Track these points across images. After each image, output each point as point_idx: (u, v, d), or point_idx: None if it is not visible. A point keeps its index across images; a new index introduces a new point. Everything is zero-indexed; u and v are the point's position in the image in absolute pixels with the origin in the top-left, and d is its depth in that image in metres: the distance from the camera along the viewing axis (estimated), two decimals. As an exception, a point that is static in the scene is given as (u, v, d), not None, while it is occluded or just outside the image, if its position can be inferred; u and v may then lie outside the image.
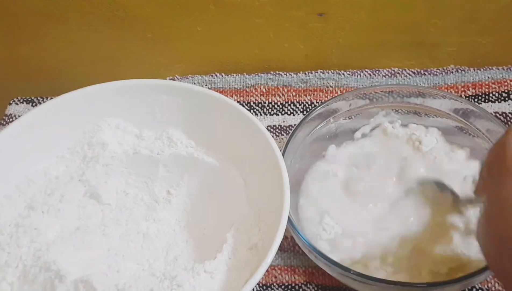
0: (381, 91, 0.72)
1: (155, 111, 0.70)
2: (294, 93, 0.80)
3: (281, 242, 0.57)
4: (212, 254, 0.59)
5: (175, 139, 0.68)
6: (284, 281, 0.65)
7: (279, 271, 0.66)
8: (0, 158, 0.64)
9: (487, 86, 0.77)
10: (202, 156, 0.67)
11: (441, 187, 0.64)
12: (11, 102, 0.84)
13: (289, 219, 0.59)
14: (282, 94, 0.80)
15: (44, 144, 0.67)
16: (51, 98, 0.72)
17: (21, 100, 0.84)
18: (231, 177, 0.66)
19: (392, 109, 0.72)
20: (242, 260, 0.59)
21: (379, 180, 0.68)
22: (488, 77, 0.77)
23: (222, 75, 0.81)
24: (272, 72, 0.82)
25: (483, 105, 0.76)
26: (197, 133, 0.69)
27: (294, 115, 0.79)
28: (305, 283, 0.65)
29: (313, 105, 0.79)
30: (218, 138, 0.68)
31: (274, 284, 0.65)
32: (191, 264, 0.59)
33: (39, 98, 0.84)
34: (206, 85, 0.81)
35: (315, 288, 0.64)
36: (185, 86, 0.69)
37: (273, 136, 0.65)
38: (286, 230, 0.57)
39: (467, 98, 0.76)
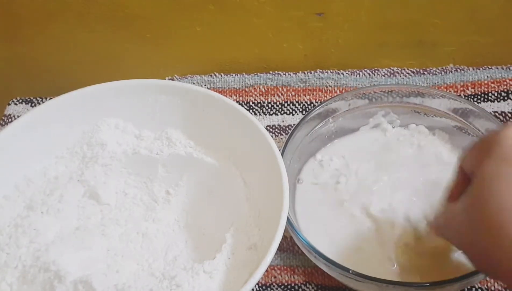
0: (380, 91, 0.72)
1: (155, 111, 0.70)
2: (293, 93, 0.80)
3: (281, 242, 0.57)
4: (211, 254, 0.59)
5: (174, 139, 0.68)
6: (283, 281, 0.65)
7: (278, 271, 0.66)
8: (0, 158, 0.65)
9: (486, 86, 0.77)
10: (201, 156, 0.67)
11: None
12: (10, 102, 0.84)
13: (288, 219, 0.59)
14: (281, 94, 0.80)
15: (43, 145, 0.68)
16: (50, 98, 0.72)
17: (20, 101, 0.84)
18: (230, 177, 0.66)
19: (391, 109, 0.72)
20: (241, 260, 0.59)
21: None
22: (487, 76, 0.77)
23: (221, 75, 0.82)
24: (271, 72, 0.82)
25: (482, 104, 0.76)
26: (196, 133, 0.69)
27: (293, 115, 0.79)
28: (304, 283, 0.65)
29: (312, 105, 0.79)
30: (217, 138, 0.68)
31: (274, 284, 0.65)
32: (190, 264, 0.59)
33: (38, 98, 0.84)
34: (205, 85, 0.81)
35: (315, 288, 0.64)
36: (184, 86, 0.70)
37: (272, 136, 0.65)
38: (285, 230, 0.57)
39: (466, 98, 0.76)
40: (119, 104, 0.70)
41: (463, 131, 0.70)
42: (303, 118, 0.69)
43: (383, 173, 0.69)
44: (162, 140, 0.69)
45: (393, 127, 0.73)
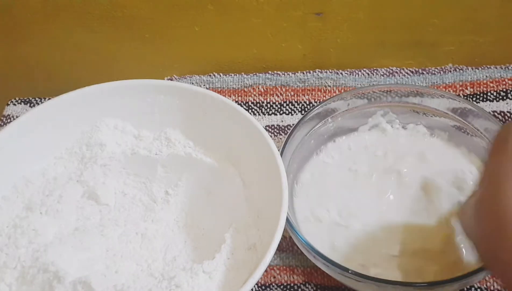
0: (379, 91, 0.72)
1: (154, 111, 0.70)
2: (292, 93, 0.81)
3: (280, 241, 0.57)
4: (210, 254, 0.60)
5: (173, 139, 0.69)
6: (283, 281, 0.66)
7: (277, 271, 0.66)
8: (-2, 158, 0.64)
9: (485, 85, 0.77)
10: (201, 156, 0.68)
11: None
12: (9, 103, 0.84)
13: (287, 219, 0.59)
14: (280, 94, 0.81)
15: (42, 145, 0.68)
16: (49, 98, 0.72)
17: (19, 101, 0.84)
18: (230, 177, 0.67)
19: (390, 109, 0.73)
20: (240, 260, 0.60)
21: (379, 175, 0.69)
22: (486, 76, 0.78)
23: (220, 75, 0.82)
24: (270, 72, 0.82)
25: (481, 104, 0.76)
26: (195, 133, 0.70)
27: (292, 115, 0.79)
28: (304, 283, 0.65)
29: (311, 105, 0.80)
30: (216, 138, 0.69)
31: (273, 284, 0.66)
32: (190, 264, 0.60)
33: (37, 99, 0.84)
34: (204, 85, 0.82)
35: (314, 288, 0.65)
36: (183, 86, 0.70)
37: (271, 136, 0.65)
38: (285, 230, 0.57)
39: (465, 97, 0.77)
40: (118, 104, 0.70)
41: (462, 131, 0.70)
42: (302, 118, 0.70)
43: (383, 173, 0.69)
44: (161, 140, 0.69)
45: (392, 127, 0.73)
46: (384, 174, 0.69)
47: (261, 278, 0.63)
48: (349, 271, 0.57)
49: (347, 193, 0.68)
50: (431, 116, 0.72)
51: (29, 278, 0.58)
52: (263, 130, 0.64)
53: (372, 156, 0.71)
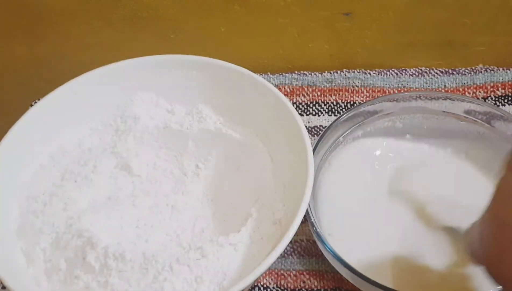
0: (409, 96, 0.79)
1: (186, 86, 0.78)
2: (319, 93, 0.89)
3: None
4: (237, 227, 0.68)
5: (205, 115, 0.77)
6: (312, 286, 0.73)
7: (307, 276, 0.73)
8: (36, 128, 0.73)
9: (517, 87, 0.86)
10: (230, 131, 0.76)
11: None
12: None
13: (316, 232, 0.68)
14: (307, 94, 0.89)
15: (78, 117, 0.77)
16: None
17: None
18: (258, 153, 0.75)
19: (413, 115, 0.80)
20: (265, 234, 0.68)
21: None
22: (518, 77, 0.86)
23: (246, 75, 0.89)
24: (296, 72, 0.90)
25: (514, 106, 0.84)
26: (226, 109, 0.78)
27: (319, 115, 0.87)
28: (334, 288, 0.72)
29: (338, 105, 0.87)
30: (246, 115, 0.77)
31: (303, 289, 0.73)
32: (216, 236, 0.67)
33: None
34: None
35: (344, 294, 0.72)
36: (216, 63, 0.78)
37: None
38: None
39: (496, 99, 0.85)
40: (152, 79, 0.78)
41: (488, 136, 0.77)
42: (336, 119, 0.77)
43: (412, 183, 0.77)
44: (193, 115, 0.78)
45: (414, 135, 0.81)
46: (414, 183, 0.76)
47: (290, 283, 0.73)
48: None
49: (378, 202, 0.75)
50: (458, 121, 0.79)
51: (63, 243, 0.67)
52: (291, 108, 0.72)
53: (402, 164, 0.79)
